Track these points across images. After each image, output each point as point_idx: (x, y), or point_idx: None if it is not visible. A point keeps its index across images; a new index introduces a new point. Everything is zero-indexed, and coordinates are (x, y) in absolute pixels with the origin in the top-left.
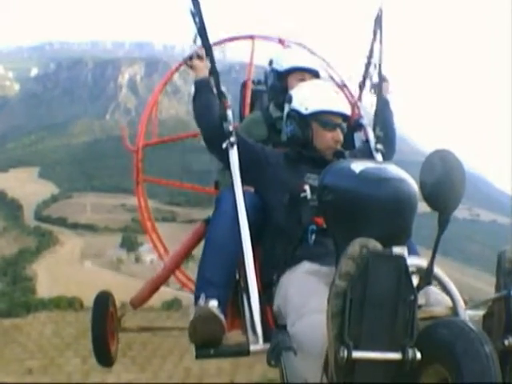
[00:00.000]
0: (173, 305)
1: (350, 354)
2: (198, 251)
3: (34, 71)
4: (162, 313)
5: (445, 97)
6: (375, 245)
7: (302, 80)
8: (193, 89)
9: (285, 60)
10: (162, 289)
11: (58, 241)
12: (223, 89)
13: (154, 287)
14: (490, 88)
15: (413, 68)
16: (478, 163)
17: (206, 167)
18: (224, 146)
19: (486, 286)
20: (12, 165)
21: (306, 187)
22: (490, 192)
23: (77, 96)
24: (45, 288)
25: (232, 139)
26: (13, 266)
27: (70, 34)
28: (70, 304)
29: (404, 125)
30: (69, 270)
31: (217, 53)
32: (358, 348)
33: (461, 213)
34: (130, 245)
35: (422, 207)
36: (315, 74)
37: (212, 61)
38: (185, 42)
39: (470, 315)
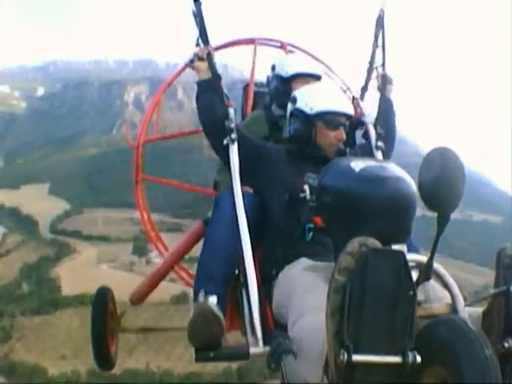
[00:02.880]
0: (181, 299)
1: (349, 357)
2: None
3: (40, 91)
4: (171, 306)
5: (445, 97)
6: (374, 242)
7: (306, 84)
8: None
9: (289, 66)
10: (170, 285)
11: (75, 250)
12: (225, 91)
13: (152, 283)
14: (490, 87)
15: (412, 68)
16: (479, 163)
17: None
18: (225, 142)
19: (471, 276)
20: (23, 181)
21: (306, 187)
22: (488, 192)
23: (83, 113)
24: (68, 287)
25: (233, 136)
26: (36, 270)
27: (73, 53)
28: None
29: (404, 126)
30: (87, 272)
31: (219, 68)
32: (357, 350)
33: (453, 214)
34: (140, 252)
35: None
36: (318, 79)
37: (211, 63)
38: (187, 59)
39: (470, 312)
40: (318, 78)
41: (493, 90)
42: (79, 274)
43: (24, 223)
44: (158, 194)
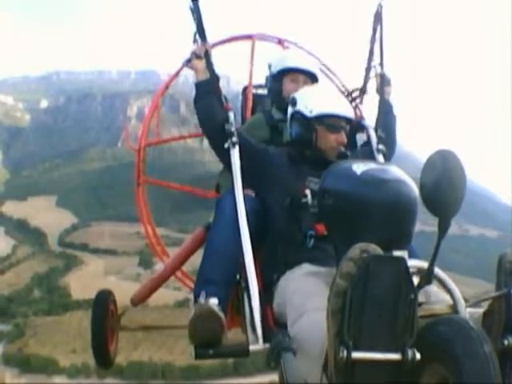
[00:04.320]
0: (184, 303)
1: (349, 354)
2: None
3: (44, 103)
4: (175, 309)
5: (448, 110)
6: (375, 249)
7: (294, 81)
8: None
9: (279, 61)
10: (175, 292)
11: (83, 262)
12: (223, 92)
13: (153, 287)
14: (494, 99)
15: (414, 80)
16: (483, 177)
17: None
18: (226, 146)
19: (461, 287)
20: (29, 193)
21: (307, 192)
22: (489, 206)
23: (88, 127)
24: (77, 295)
25: (234, 139)
26: (46, 279)
27: (76, 63)
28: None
29: (407, 141)
30: (95, 283)
31: (221, 81)
32: (357, 348)
33: (450, 229)
34: (146, 264)
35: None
36: (309, 76)
37: (209, 61)
38: (188, 72)
39: (470, 313)
40: (308, 74)
41: (497, 101)
42: (87, 284)
43: (33, 235)
44: (165, 209)
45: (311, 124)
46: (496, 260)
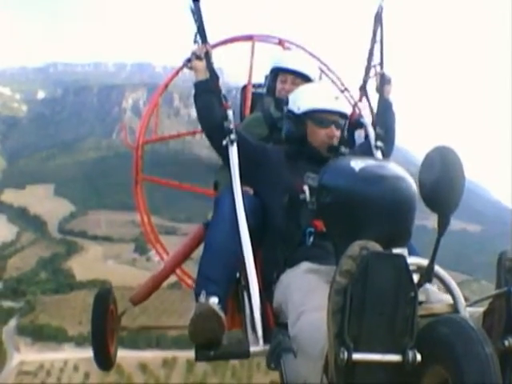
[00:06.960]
0: (175, 285)
1: (350, 355)
2: (198, 253)
3: (41, 94)
4: (167, 290)
5: (434, 101)
6: (374, 246)
7: (283, 81)
8: (193, 90)
9: (274, 61)
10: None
11: (83, 248)
12: (222, 91)
13: (154, 286)
14: (491, 98)
15: (405, 72)
16: (476, 172)
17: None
18: (224, 143)
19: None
20: (27, 182)
21: (305, 188)
22: (473, 201)
23: (84, 118)
24: (80, 277)
25: (232, 136)
26: (51, 263)
27: (73, 55)
28: (103, 284)
29: (406, 140)
30: (96, 266)
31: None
32: (358, 349)
33: (431, 224)
34: (141, 250)
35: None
36: (300, 76)
37: (209, 62)
38: (184, 59)
39: (471, 312)
40: (300, 75)
41: (486, 95)
42: (89, 267)
43: (33, 223)
44: (157, 197)
45: (301, 120)
46: (474, 254)
